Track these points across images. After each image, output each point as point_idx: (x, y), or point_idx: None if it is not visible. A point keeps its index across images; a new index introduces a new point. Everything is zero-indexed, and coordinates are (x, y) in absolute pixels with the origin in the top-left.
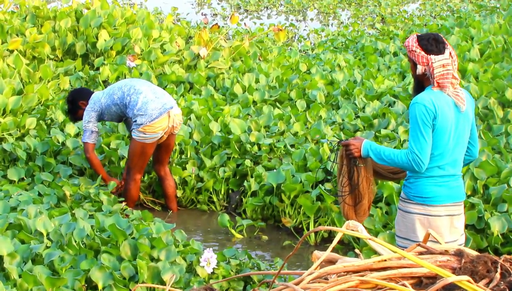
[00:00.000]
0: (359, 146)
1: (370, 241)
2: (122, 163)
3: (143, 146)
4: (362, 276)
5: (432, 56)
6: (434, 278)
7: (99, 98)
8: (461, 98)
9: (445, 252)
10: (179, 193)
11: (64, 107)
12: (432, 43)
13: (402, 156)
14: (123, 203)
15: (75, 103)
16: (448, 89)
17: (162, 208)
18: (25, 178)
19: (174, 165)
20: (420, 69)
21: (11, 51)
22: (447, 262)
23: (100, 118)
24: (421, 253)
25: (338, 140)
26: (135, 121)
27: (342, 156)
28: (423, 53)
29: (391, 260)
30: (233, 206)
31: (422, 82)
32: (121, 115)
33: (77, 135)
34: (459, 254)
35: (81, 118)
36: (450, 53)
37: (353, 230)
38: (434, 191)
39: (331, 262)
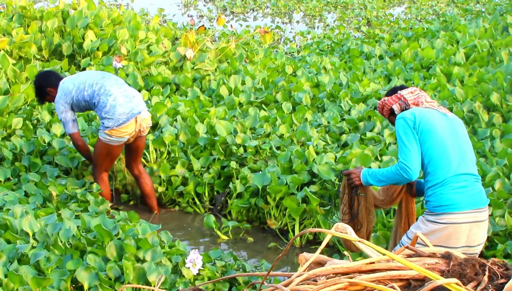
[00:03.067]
0: (359, 174)
1: (359, 243)
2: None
3: (108, 147)
4: (351, 278)
5: (399, 92)
6: (422, 281)
7: (69, 90)
8: (444, 108)
9: (434, 255)
10: (162, 189)
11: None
12: (394, 89)
13: (392, 169)
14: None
15: (43, 90)
16: (426, 104)
17: (147, 209)
18: (11, 178)
19: (165, 162)
20: (396, 107)
21: None
22: (436, 264)
23: (71, 108)
24: (409, 256)
25: (341, 171)
26: (102, 123)
27: (344, 185)
28: (390, 96)
29: (380, 262)
30: (218, 207)
31: None
32: (90, 109)
33: (63, 135)
34: (447, 257)
35: (48, 101)
36: (416, 86)
37: (342, 232)
38: (452, 198)
39: (320, 264)
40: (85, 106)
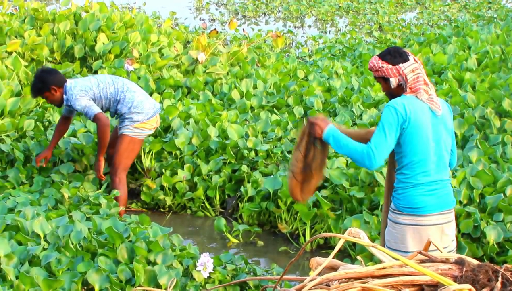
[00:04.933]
0: (323, 128)
1: (372, 248)
2: None
3: (134, 141)
4: (364, 283)
5: (400, 65)
6: (435, 286)
7: (89, 86)
8: (436, 103)
9: (446, 260)
10: (169, 199)
11: (32, 83)
12: (395, 55)
13: (358, 149)
14: (120, 207)
15: (46, 86)
16: (421, 95)
17: (159, 213)
18: (24, 181)
19: (168, 169)
20: (393, 81)
21: (10, 53)
22: (449, 270)
23: None
24: (422, 261)
25: (308, 116)
26: (130, 118)
27: (304, 131)
28: (390, 66)
29: (393, 268)
30: (229, 211)
31: (397, 96)
32: (103, 109)
33: (73, 137)
34: (460, 262)
35: (43, 97)
36: (414, 58)
37: (355, 237)
38: (423, 201)
39: (332, 268)
40: (102, 105)
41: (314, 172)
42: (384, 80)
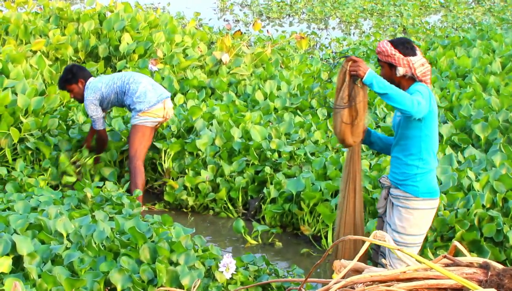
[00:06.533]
0: (366, 68)
1: (398, 251)
2: None
3: (143, 129)
4: (389, 286)
5: (411, 58)
6: (460, 290)
7: (99, 87)
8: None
9: (471, 265)
10: (192, 200)
11: (62, 75)
12: (407, 47)
13: (405, 93)
14: (142, 205)
15: (75, 77)
16: (429, 85)
17: (181, 213)
18: (51, 182)
19: (190, 169)
20: (401, 70)
21: (34, 52)
22: (474, 274)
23: (100, 104)
24: (447, 265)
25: (345, 55)
26: (135, 108)
27: (345, 71)
28: (402, 56)
29: (418, 271)
30: (252, 212)
31: (399, 84)
32: (116, 105)
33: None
34: (485, 266)
35: (68, 90)
36: (421, 53)
37: (380, 240)
38: (436, 185)
39: (356, 271)
40: (112, 101)
41: (359, 110)
42: (389, 66)
